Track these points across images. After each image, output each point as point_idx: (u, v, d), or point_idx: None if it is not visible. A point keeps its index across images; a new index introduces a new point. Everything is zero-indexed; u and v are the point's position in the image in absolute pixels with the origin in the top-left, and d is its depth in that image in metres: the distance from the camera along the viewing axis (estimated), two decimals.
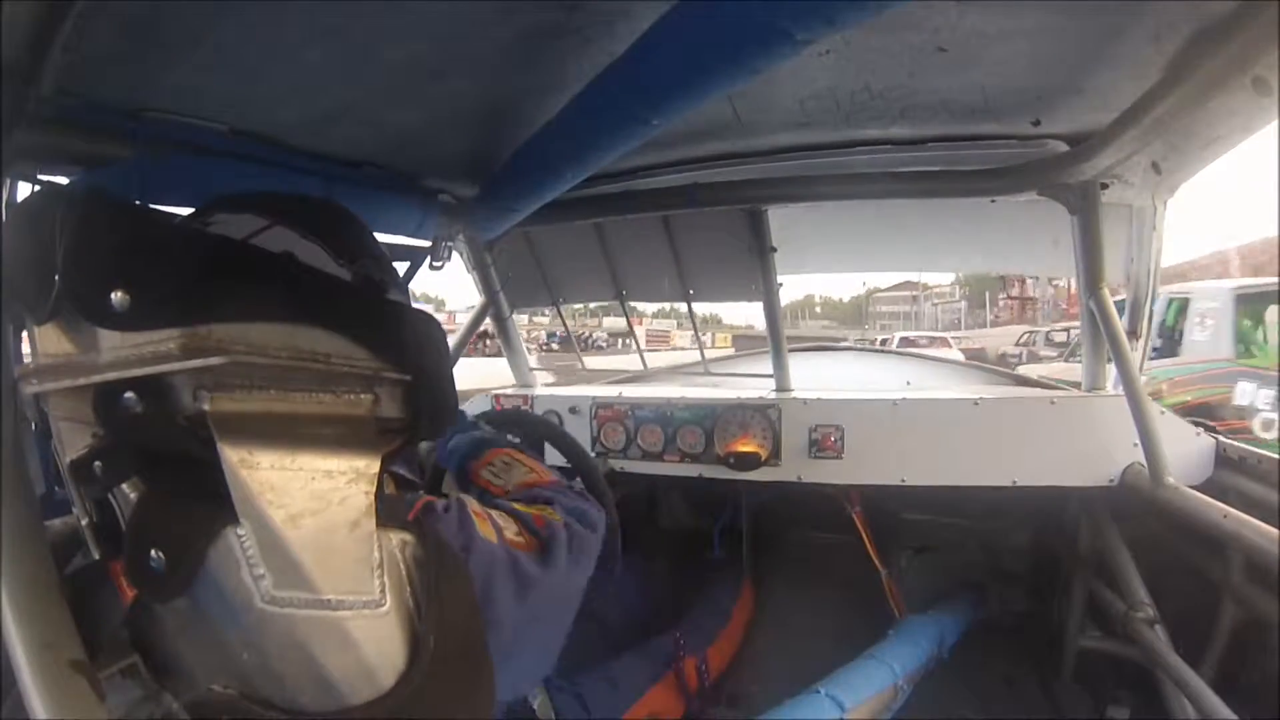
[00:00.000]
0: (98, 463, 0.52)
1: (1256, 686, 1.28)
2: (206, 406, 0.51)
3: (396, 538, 0.57)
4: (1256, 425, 4.39)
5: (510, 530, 0.72)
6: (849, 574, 2.08)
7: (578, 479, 1.46)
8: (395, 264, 0.77)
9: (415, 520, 0.62)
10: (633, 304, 2.20)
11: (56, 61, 0.65)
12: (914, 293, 38.46)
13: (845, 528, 1.94)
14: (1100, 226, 1.40)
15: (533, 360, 2.44)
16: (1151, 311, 1.57)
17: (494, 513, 0.73)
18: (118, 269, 0.49)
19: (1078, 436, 1.54)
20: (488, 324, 2.18)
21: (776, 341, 1.88)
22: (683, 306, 2.00)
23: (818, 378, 2.09)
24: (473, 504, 0.72)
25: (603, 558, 0.85)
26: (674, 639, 1.67)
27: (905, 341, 14.42)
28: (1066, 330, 13.45)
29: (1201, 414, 4.32)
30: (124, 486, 0.53)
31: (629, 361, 3.13)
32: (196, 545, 0.51)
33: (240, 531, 0.51)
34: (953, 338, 16.53)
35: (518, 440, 1.11)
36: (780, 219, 1.70)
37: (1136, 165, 1.30)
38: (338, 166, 1.22)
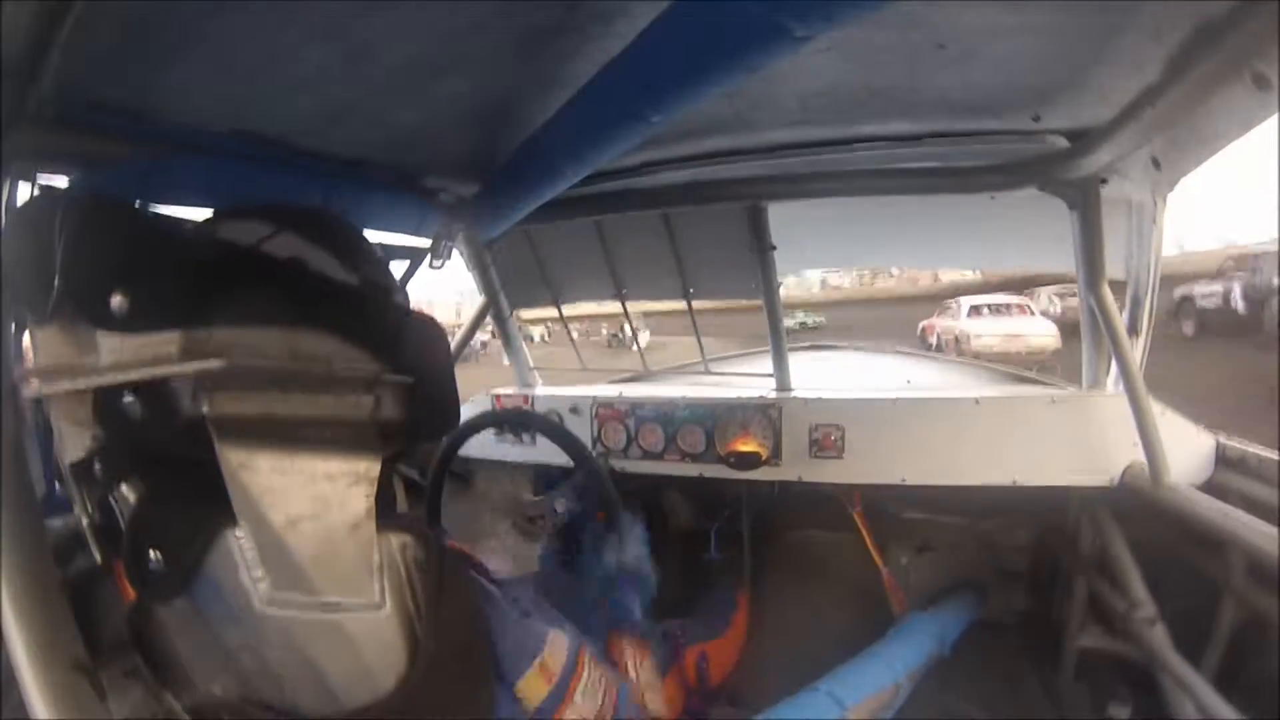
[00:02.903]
0: (98, 464, 0.52)
1: (1257, 686, 1.28)
2: (206, 409, 0.51)
3: (397, 540, 0.57)
4: None
5: (575, 712, 0.68)
6: (849, 573, 2.08)
7: (578, 474, 1.47)
8: (395, 263, 0.77)
9: (416, 522, 0.62)
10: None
11: (56, 61, 0.65)
12: None
13: (846, 527, 1.94)
14: (1100, 222, 1.40)
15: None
16: (1152, 308, 1.57)
17: (593, 673, 0.72)
18: (117, 272, 0.49)
19: (1078, 436, 1.54)
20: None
21: (777, 341, 1.87)
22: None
23: (818, 377, 2.09)
24: (559, 648, 0.69)
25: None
26: (675, 635, 1.67)
27: (974, 310, 12.87)
28: None
29: None
30: (124, 488, 0.53)
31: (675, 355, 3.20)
32: (196, 547, 0.51)
33: (239, 533, 0.51)
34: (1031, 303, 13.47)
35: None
36: (780, 216, 1.69)
37: (1136, 161, 1.30)
38: (338, 166, 1.22)
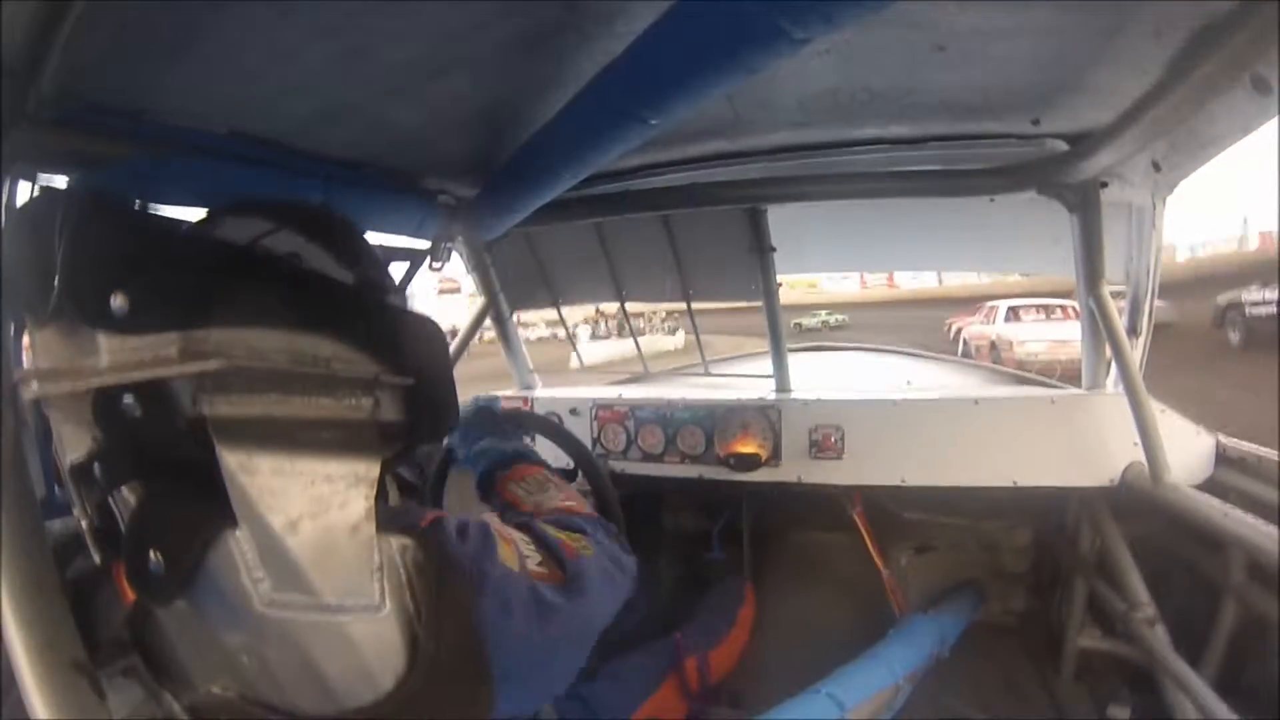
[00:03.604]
0: (97, 465, 0.52)
1: (1257, 686, 1.28)
2: (206, 410, 0.51)
3: (397, 542, 0.57)
4: None
5: (534, 560, 0.70)
6: (849, 574, 2.08)
7: (579, 476, 1.47)
8: (394, 264, 0.77)
9: (416, 524, 0.62)
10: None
11: (56, 61, 0.65)
12: None
13: (846, 528, 1.94)
14: (1100, 225, 1.40)
15: None
16: (1151, 310, 1.57)
17: (519, 535, 0.72)
18: (117, 273, 0.49)
19: (1078, 436, 1.54)
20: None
21: (777, 342, 1.87)
22: None
23: (818, 378, 2.09)
24: (495, 523, 0.71)
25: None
26: (676, 640, 1.67)
27: (1012, 313, 12.11)
28: None
29: None
30: (124, 489, 0.53)
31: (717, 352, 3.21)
32: (195, 548, 0.51)
33: (239, 535, 0.51)
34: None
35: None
36: (780, 218, 1.69)
37: (1136, 164, 1.30)
38: (337, 167, 1.22)
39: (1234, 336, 10.62)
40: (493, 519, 0.72)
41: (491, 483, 1.00)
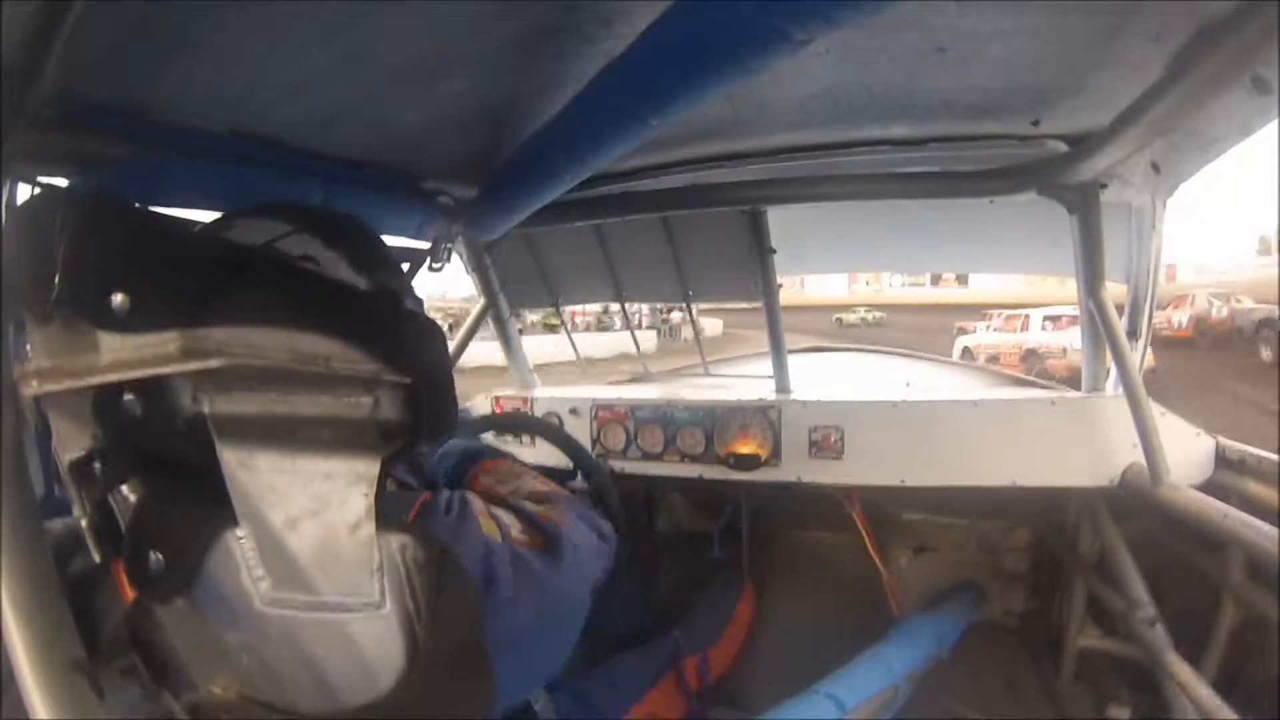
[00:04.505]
0: (97, 464, 0.52)
1: (1257, 686, 1.28)
2: (206, 409, 0.51)
3: (397, 540, 0.57)
4: None
5: (515, 528, 0.71)
6: (849, 574, 2.08)
7: (578, 476, 1.47)
8: None
9: (415, 522, 0.62)
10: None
11: (56, 61, 0.65)
12: None
13: (845, 528, 1.94)
14: (1100, 226, 1.40)
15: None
16: (1151, 312, 1.57)
17: (499, 510, 0.73)
18: (118, 271, 0.49)
19: (1078, 437, 1.54)
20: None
21: (776, 342, 1.88)
22: None
23: (817, 378, 2.09)
24: (476, 502, 0.72)
25: (613, 569, 0.85)
26: (674, 639, 1.67)
27: (1049, 322, 12.06)
28: None
29: None
30: (123, 488, 0.53)
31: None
32: (195, 547, 0.51)
33: (239, 533, 0.51)
34: None
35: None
36: (779, 219, 1.69)
37: (1136, 165, 1.30)
38: (337, 167, 1.22)
39: (1266, 353, 11.02)
40: (473, 498, 0.73)
41: (462, 479, 1.00)
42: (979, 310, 17.75)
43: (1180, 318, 13.67)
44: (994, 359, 11.93)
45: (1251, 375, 9.93)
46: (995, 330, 13.99)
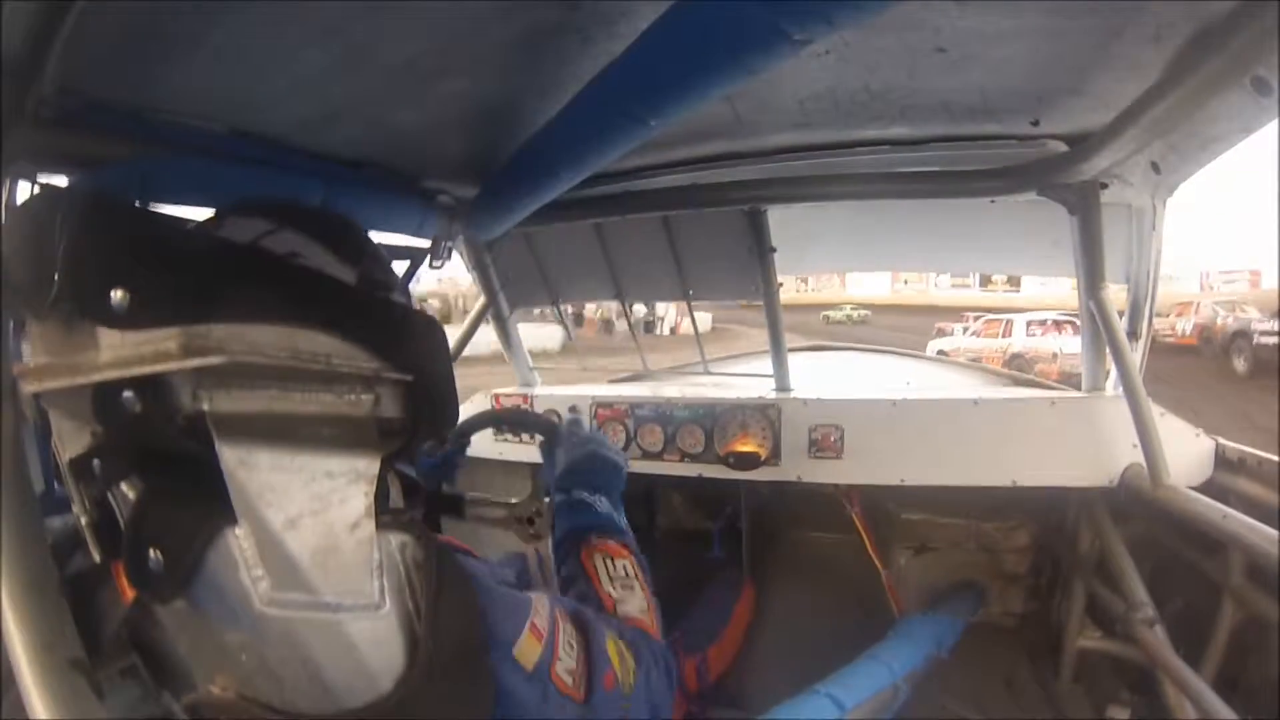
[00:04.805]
0: (97, 461, 0.52)
1: (1257, 687, 1.28)
2: (206, 406, 0.51)
3: (396, 539, 0.57)
4: None
5: (564, 666, 0.66)
6: (849, 574, 2.08)
7: None
8: (394, 264, 0.77)
9: (415, 521, 0.62)
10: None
11: (56, 61, 0.65)
12: None
13: (845, 527, 1.94)
14: (1100, 226, 1.40)
15: None
16: (1151, 312, 1.57)
17: (567, 631, 0.69)
18: (118, 268, 0.49)
19: (1077, 437, 1.54)
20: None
21: (777, 341, 1.88)
22: None
23: (817, 378, 2.09)
24: (542, 610, 0.68)
25: None
26: (673, 639, 1.67)
27: (1038, 326, 12.18)
28: None
29: None
30: (123, 486, 0.53)
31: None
32: (195, 546, 0.51)
33: (239, 532, 0.51)
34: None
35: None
36: (780, 219, 1.69)
37: (1136, 165, 1.30)
38: (338, 167, 1.22)
39: (1240, 364, 11.00)
40: (541, 603, 0.69)
41: (578, 541, 0.93)
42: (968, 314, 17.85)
43: (1184, 325, 13.65)
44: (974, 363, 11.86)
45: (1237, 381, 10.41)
46: (973, 335, 13.99)
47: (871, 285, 30.64)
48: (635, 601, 0.87)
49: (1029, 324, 12.70)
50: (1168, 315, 13.67)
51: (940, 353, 12.42)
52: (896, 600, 1.92)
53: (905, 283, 31.21)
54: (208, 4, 0.71)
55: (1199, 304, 14.00)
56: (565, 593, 0.89)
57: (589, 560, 0.90)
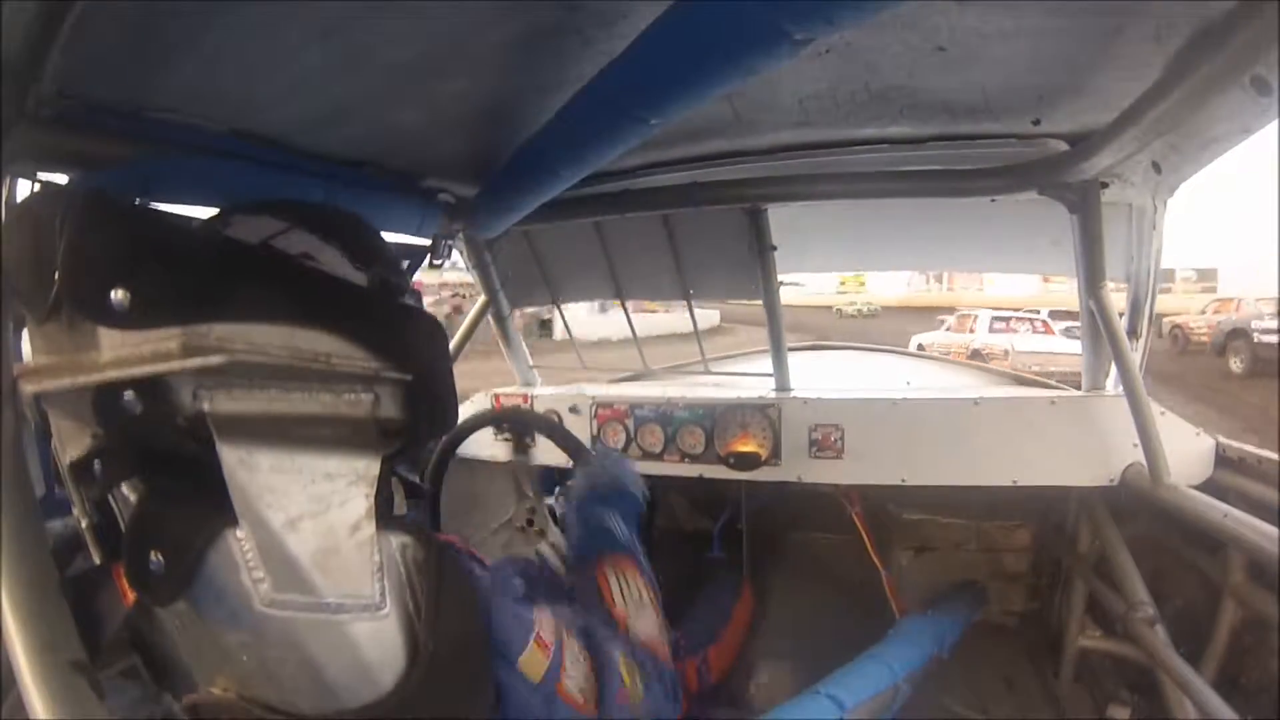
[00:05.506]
0: (97, 463, 0.52)
1: (1257, 686, 1.28)
2: (206, 407, 0.51)
3: (397, 540, 0.57)
4: None
5: (573, 680, 0.67)
6: (849, 574, 2.08)
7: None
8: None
9: (415, 523, 0.62)
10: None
11: (56, 61, 0.65)
12: None
13: (845, 527, 1.94)
14: (1101, 226, 1.40)
15: None
16: (1151, 312, 1.57)
17: (574, 649, 0.69)
18: (118, 268, 0.49)
19: (1078, 436, 1.54)
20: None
21: (777, 341, 1.88)
22: None
23: (818, 377, 2.09)
24: (547, 623, 0.68)
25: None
26: (673, 639, 1.67)
27: (1000, 323, 12.31)
28: None
29: None
30: (123, 487, 0.53)
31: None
32: (195, 547, 0.51)
33: (240, 533, 0.51)
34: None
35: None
36: (780, 217, 1.69)
37: (1137, 164, 1.30)
38: (338, 167, 1.22)
39: (1236, 364, 10.79)
40: (545, 617, 0.69)
41: (591, 558, 0.96)
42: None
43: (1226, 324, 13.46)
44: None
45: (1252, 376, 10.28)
46: (949, 330, 14.21)
47: (894, 286, 30.45)
48: (646, 621, 0.90)
49: (992, 320, 12.95)
50: (1204, 312, 13.46)
51: (920, 346, 12.69)
52: (897, 600, 1.91)
53: (927, 281, 31.05)
54: (208, 4, 0.71)
55: (1239, 301, 13.42)
56: (576, 604, 0.90)
57: (603, 577, 0.93)
